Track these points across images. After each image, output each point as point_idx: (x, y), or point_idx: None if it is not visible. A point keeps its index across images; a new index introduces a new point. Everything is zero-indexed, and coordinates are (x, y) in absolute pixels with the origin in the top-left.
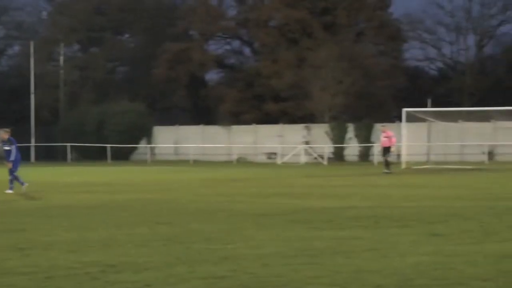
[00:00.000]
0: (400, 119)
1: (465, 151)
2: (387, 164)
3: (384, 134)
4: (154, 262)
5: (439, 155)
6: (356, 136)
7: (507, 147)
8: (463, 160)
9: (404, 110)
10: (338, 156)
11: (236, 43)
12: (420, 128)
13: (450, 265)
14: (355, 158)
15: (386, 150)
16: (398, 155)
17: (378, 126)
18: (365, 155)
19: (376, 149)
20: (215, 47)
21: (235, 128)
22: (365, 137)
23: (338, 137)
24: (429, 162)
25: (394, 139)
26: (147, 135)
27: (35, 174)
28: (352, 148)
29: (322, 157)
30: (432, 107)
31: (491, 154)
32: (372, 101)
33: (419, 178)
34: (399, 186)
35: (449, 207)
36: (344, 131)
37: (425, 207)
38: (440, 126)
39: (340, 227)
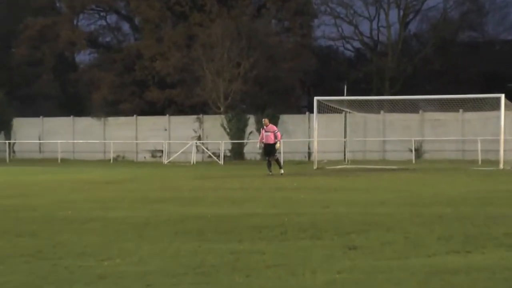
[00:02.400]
0: (311, 110)
1: (388, 148)
2: (278, 163)
3: (266, 128)
4: (14, 283)
5: (358, 152)
6: (258, 130)
7: (437, 142)
8: (386, 158)
9: (316, 98)
10: (237, 153)
11: (112, 18)
12: (334, 120)
13: (370, 284)
14: (257, 156)
15: (272, 148)
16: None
17: (284, 118)
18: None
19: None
20: (87, 23)
21: (112, 120)
22: None
23: (237, 131)
24: (345, 161)
25: (279, 134)
26: (5, 128)
27: None
28: (254, 144)
29: (217, 155)
30: (348, 94)
31: (418, 151)
32: (276, 88)
33: (334, 180)
34: (310, 190)
35: (369, 214)
36: (243, 124)
37: (340, 214)
38: (359, 118)
39: (239, 239)
